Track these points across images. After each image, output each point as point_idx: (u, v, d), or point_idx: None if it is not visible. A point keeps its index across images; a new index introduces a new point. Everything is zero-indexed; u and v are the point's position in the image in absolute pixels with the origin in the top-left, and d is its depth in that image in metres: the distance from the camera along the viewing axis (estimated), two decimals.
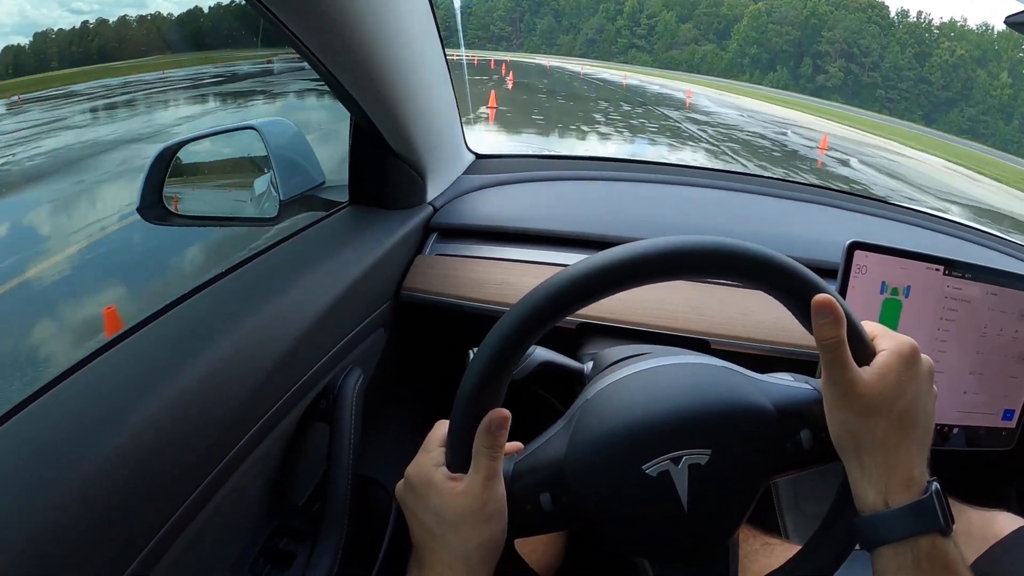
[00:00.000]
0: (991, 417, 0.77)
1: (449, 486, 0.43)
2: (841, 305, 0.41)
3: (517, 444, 0.49)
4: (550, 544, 0.75)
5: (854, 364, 0.42)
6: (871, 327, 0.45)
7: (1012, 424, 0.78)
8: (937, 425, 0.75)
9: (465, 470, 0.43)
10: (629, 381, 0.49)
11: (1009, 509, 0.81)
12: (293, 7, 0.52)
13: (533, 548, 0.72)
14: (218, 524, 0.51)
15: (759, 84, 50.29)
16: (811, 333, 0.42)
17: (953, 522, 0.41)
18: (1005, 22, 0.79)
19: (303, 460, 0.66)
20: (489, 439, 0.42)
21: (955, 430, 0.76)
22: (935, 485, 0.42)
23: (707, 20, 66.93)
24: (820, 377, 0.45)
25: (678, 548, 0.46)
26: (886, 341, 0.44)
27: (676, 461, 0.44)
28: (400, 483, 0.46)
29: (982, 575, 0.76)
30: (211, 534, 0.50)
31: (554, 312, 0.40)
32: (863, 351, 0.43)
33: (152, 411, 0.43)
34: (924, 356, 0.44)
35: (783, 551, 0.72)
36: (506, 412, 0.42)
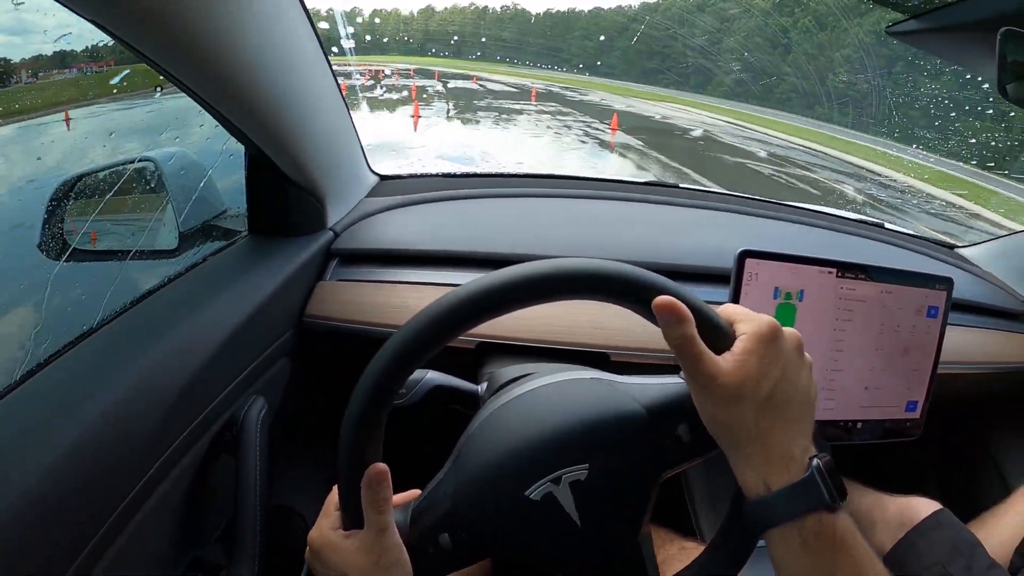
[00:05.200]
0: (895, 410, 0.80)
1: (346, 545, 0.45)
2: (687, 299, 0.40)
3: (415, 491, 0.49)
4: (474, 570, 0.75)
5: (710, 356, 0.40)
6: (730, 312, 0.43)
7: (916, 415, 0.81)
8: (841, 421, 0.77)
9: (360, 527, 0.44)
10: (505, 410, 0.49)
11: (929, 495, 0.83)
12: (157, 40, 0.51)
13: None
14: (129, 562, 0.51)
15: None
16: None
17: (843, 497, 0.40)
18: (887, 31, 0.82)
19: (215, 493, 0.66)
20: (372, 495, 0.43)
21: (859, 425, 0.78)
22: (816, 461, 0.40)
23: None
24: None
25: (586, 561, 0.47)
26: (745, 325, 0.42)
27: (556, 481, 0.45)
28: (307, 550, 0.48)
29: (899, 560, 0.78)
30: (124, 571, 0.50)
31: (410, 363, 0.40)
32: (720, 339, 0.41)
33: (52, 457, 0.44)
34: (788, 330, 0.42)
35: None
36: (382, 467, 0.43)
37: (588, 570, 0.47)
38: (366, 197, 0.99)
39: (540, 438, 0.46)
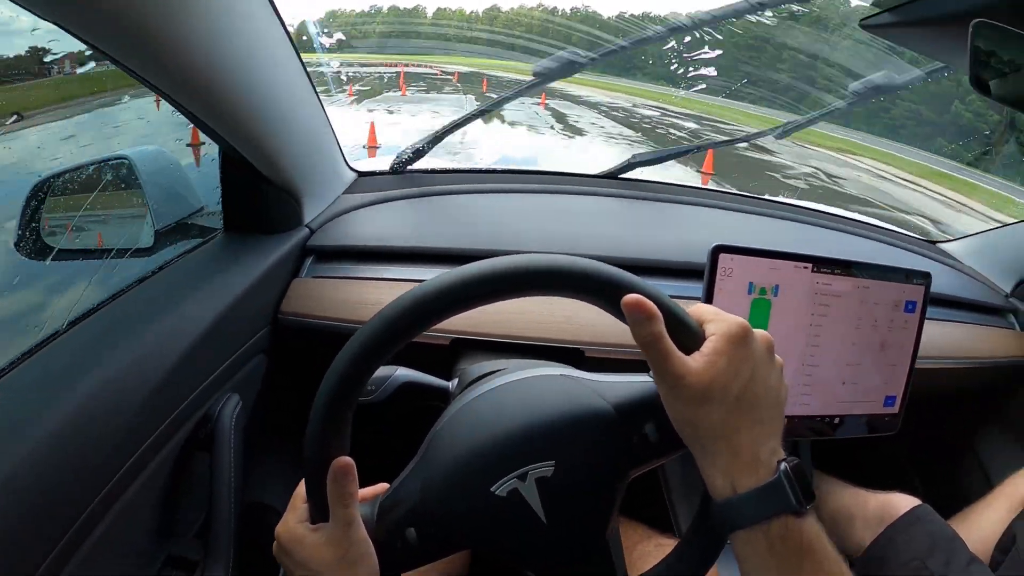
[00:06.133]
0: (873, 405, 0.80)
1: (312, 539, 0.45)
2: (657, 298, 0.40)
3: (383, 485, 0.49)
4: (450, 563, 0.74)
5: (679, 356, 0.40)
6: (700, 311, 0.43)
7: (895, 409, 0.81)
8: (819, 416, 0.77)
9: (326, 520, 0.44)
10: (473, 405, 0.49)
11: (912, 490, 0.83)
12: (123, 39, 0.50)
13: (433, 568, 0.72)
14: (103, 558, 0.50)
15: None
16: None
17: (811, 501, 0.40)
18: (860, 24, 0.81)
19: (191, 490, 0.66)
20: (337, 489, 0.43)
21: (837, 420, 0.78)
22: (784, 465, 0.40)
23: None
24: None
25: (553, 557, 0.46)
26: (715, 325, 0.42)
27: (522, 478, 0.45)
28: (274, 544, 0.47)
29: (878, 556, 0.78)
30: (98, 568, 0.50)
31: (375, 358, 0.40)
32: (690, 339, 0.41)
33: (23, 454, 0.44)
34: (759, 331, 0.42)
35: None
36: (348, 460, 0.43)
37: (555, 567, 0.47)
38: (343, 194, 0.99)
39: (506, 434, 0.46)
